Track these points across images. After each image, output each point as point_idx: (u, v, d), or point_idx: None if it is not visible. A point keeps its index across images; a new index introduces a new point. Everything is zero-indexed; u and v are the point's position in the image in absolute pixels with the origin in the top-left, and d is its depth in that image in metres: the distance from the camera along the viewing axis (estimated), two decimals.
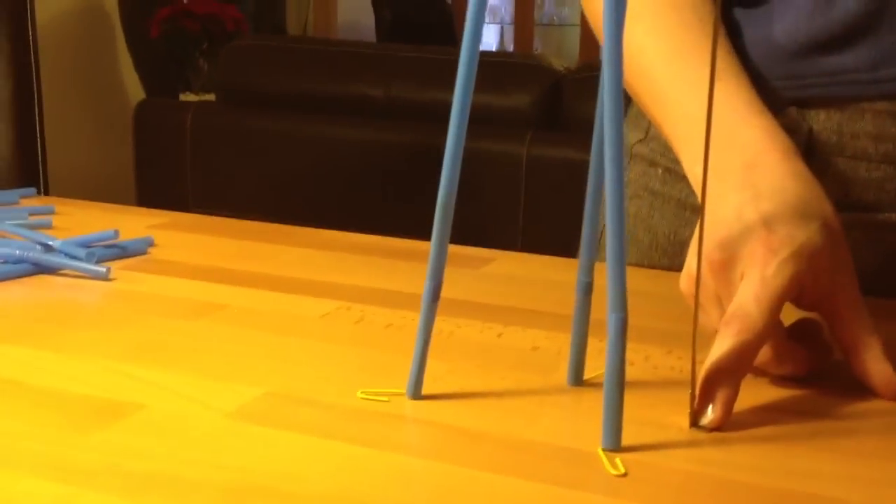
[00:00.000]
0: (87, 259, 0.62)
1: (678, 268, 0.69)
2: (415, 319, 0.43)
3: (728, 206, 0.48)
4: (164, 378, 0.45)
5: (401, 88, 2.26)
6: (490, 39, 5.85)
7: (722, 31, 0.59)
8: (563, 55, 5.70)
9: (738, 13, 0.62)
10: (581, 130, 2.10)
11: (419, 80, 2.26)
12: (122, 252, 0.66)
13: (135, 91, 3.75)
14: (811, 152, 0.60)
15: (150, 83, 3.45)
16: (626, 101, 0.68)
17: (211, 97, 2.92)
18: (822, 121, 0.60)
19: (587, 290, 0.45)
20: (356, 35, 5.70)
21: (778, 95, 0.60)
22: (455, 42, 5.60)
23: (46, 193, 2.68)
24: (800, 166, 0.50)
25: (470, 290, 0.61)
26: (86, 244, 0.65)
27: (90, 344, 0.50)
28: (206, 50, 3.29)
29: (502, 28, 5.78)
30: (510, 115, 2.16)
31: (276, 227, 0.77)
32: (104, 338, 0.51)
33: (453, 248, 0.71)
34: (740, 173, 0.50)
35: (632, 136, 0.70)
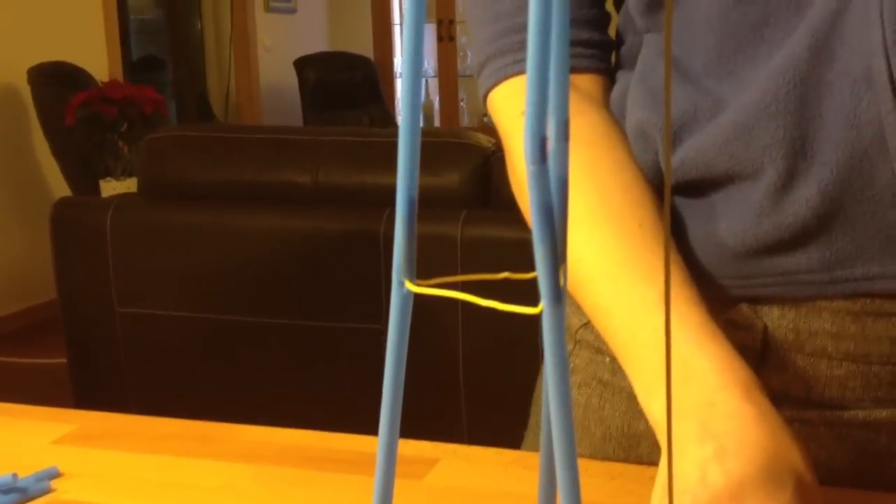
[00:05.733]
0: None
1: (633, 460, 0.64)
2: None
3: (690, 463, 0.43)
4: None
5: (329, 173, 2.21)
6: None
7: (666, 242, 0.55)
8: None
9: (680, 204, 0.57)
10: (513, 208, 2.06)
11: (347, 163, 2.21)
12: (23, 496, 0.59)
13: (54, 178, 3.62)
14: (767, 349, 0.56)
15: (70, 170, 3.34)
16: None
17: (133, 182, 2.83)
18: (776, 318, 0.56)
19: None
20: (280, 97, 5.64)
21: (728, 293, 0.56)
22: (380, 100, 5.57)
23: None
24: (762, 404, 0.46)
25: None
26: None
27: None
28: (125, 133, 3.21)
29: (427, 81, 5.77)
30: (441, 195, 2.12)
31: (193, 428, 0.71)
32: None
33: None
34: (699, 414, 0.45)
35: (575, 319, 0.65)
